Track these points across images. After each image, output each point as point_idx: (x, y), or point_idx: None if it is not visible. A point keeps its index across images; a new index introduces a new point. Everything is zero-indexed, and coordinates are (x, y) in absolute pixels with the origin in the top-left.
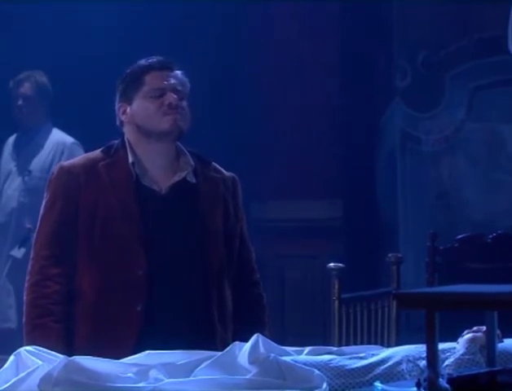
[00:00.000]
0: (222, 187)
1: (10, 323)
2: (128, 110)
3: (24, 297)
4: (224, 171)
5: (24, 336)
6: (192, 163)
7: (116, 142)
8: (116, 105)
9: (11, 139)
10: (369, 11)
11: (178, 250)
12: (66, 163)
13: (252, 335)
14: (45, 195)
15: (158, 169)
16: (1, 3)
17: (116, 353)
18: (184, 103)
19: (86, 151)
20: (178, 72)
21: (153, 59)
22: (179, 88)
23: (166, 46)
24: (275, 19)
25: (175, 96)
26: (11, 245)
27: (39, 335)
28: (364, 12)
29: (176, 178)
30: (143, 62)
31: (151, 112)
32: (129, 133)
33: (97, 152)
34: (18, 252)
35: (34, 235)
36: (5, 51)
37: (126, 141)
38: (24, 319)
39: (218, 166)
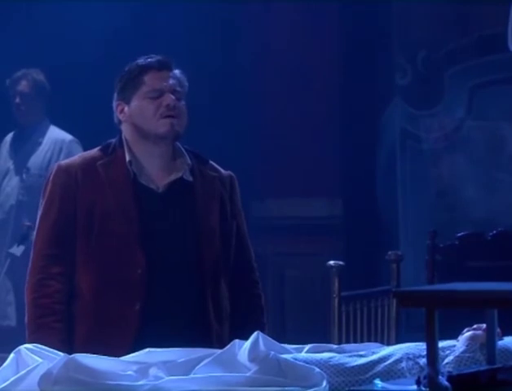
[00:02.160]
0: (219, 185)
1: (9, 321)
2: (126, 109)
3: (26, 297)
4: (221, 169)
5: (27, 336)
6: (189, 162)
7: (114, 140)
8: (114, 103)
9: (9, 137)
10: (369, 11)
11: (174, 248)
12: (63, 162)
13: (250, 335)
14: (43, 195)
15: (155, 168)
16: None
17: (116, 351)
18: (182, 103)
19: (85, 148)
20: (177, 72)
21: (152, 59)
22: (178, 89)
23: (166, 45)
24: (275, 19)
25: (173, 97)
26: (10, 243)
27: (42, 335)
28: (364, 12)
29: (173, 177)
30: (141, 61)
31: (149, 113)
32: (126, 131)
33: (95, 151)
34: (17, 250)
35: (34, 235)
36: (3, 50)
37: (124, 139)
38: (26, 319)
39: (215, 165)
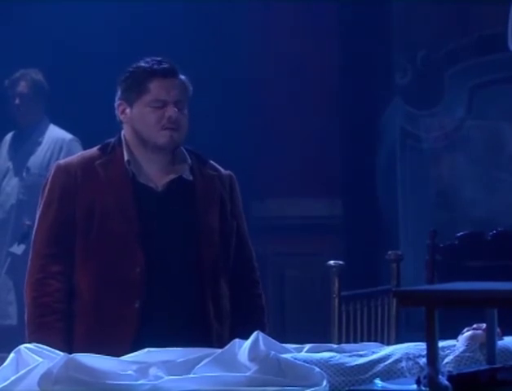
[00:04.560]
0: (218, 185)
1: (10, 320)
2: (127, 111)
3: (25, 296)
4: (221, 169)
5: (27, 336)
6: (189, 161)
7: (113, 139)
8: (116, 101)
9: (8, 137)
10: (369, 10)
11: (174, 247)
12: (62, 161)
13: (250, 335)
14: (41, 194)
15: (154, 168)
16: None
17: (115, 350)
18: (184, 113)
19: (85, 147)
20: (182, 78)
21: (158, 65)
22: (181, 98)
23: (166, 45)
24: (275, 19)
25: (176, 110)
26: (11, 242)
27: (42, 334)
28: (363, 11)
29: (172, 176)
30: (147, 65)
31: (150, 122)
32: (126, 132)
33: (94, 150)
34: (17, 249)
35: (33, 234)
36: (3, 50)
37: (123, 138)
38: (26, 318)
39: (215, 164)
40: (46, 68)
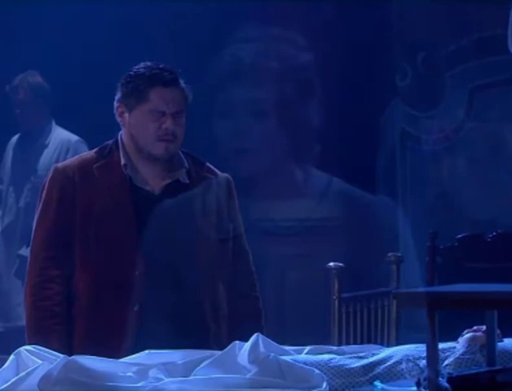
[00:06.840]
0: (215, 188)
1: (19, 321)
2: (126, 115)
3: (25, 300)
4: (218, 172)
5: (27, 339)
6: (186, 165)
7: (111, 142)
8: (116, 103)
9: (15, 139)
10: (369, 11)
11: (171, 250)
12: (60, 164)
13: (248, 338)
14: (40, 197)
15: (150, 172)
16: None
17: (114, 352)
18: (182, 122)
19: (91, 149)
20: (183, 86)
21: (160, 73)
22: (180, 109)
23: (166, 45)
24: (274, 19)
25: (173, 121)
26: (19, 244)
27: (42, 337)
28: (364, 12)
29: (169, 179)
30: (149, 72)
31: (147, 131)
32: (124, 135)
33: (91, 153)
34: (26, 251)
35: (32, 237)
36: (7, 53)
37: (120, 141)
38: (26, 322)
39: (211, 167)
40: (48, 71)
